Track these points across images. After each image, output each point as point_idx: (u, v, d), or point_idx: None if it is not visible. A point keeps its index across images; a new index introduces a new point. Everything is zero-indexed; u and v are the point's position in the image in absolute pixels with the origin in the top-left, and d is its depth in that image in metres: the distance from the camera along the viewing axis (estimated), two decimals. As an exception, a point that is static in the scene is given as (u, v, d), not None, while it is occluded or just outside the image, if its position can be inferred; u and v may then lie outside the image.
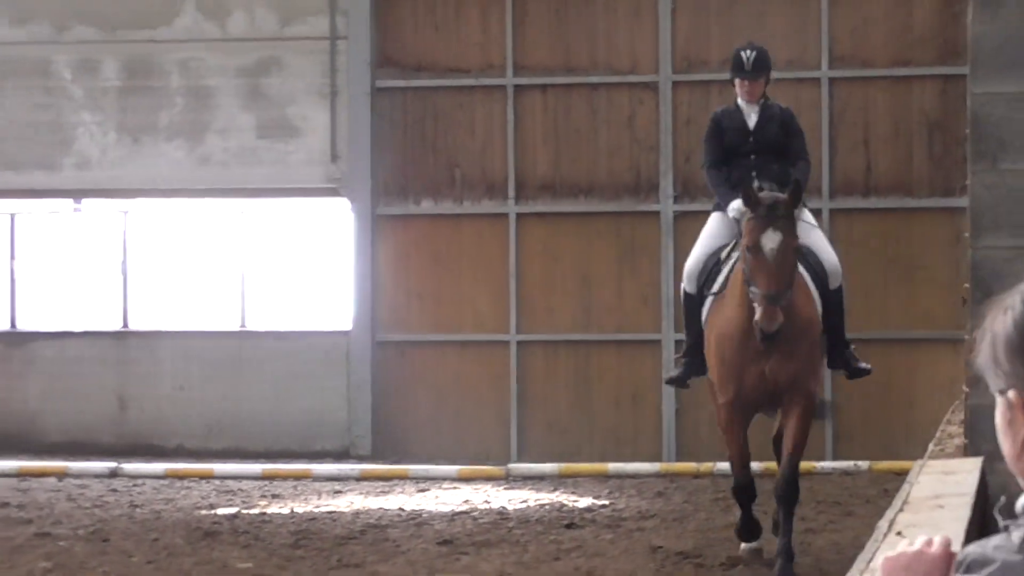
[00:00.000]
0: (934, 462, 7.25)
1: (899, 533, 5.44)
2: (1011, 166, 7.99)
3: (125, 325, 17.61)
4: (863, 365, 10.89)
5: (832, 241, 15.66)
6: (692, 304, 10.77)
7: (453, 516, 13.39)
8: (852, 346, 10.89)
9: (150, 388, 17.29)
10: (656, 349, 16.25)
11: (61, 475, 15.63)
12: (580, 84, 16.86)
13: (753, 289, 9.69)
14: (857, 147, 16.50)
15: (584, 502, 14.08)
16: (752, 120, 10.79)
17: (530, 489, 14.85)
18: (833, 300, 10.57)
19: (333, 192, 17.18)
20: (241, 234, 17.67)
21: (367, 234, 17.01)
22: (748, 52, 10.80)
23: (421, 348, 17.03)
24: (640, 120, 16.77)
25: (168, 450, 16.86)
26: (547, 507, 13.84)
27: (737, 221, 10.24)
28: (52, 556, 11.71)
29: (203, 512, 13.66)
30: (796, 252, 9.92)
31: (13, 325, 17.76)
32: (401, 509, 13.74)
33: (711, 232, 10.89)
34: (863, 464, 15.21)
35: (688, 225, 14.77)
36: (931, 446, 8.27)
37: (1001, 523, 2.54)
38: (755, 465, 11.14)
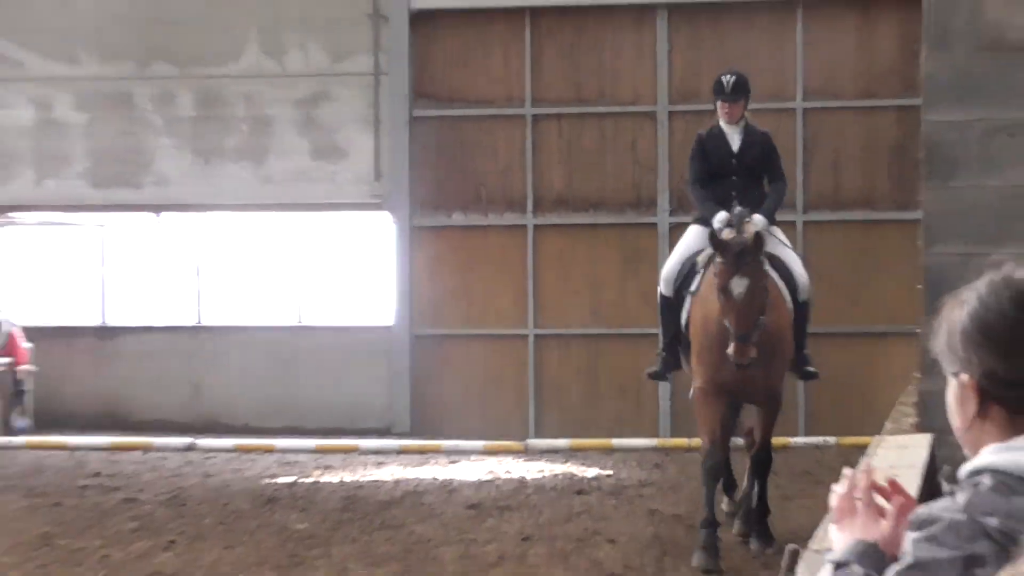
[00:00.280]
0: (890, 438, 7.24)
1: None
2: (958, 184, 8.00)
3: (198, 321, 17.68)
4: (811, 369, 10.54)
5: (805, 249, 15.77)
6: (668, 305, 10.45)
7: (479, 484, 13.42)
8: (806, 351, 10.50)
9: (220, 375, 17.34)
10: (654, 341, 16.11)
11: (145, 449, 15.70)
12: (589, 114, 16.86)
13: (726, 322, 9.37)
14: (827, 168, 16.50)
15: (591, 472, 14.09)
16: (736, 143, 10.36)
17: (545, 461, 14.86)
18: (800, 311, 10.24)
19: (376, 206, 17.18)
20: (297, 242, 17.73)
21: (406, 243, 17.04)
22: (728, 77, 10.42)
23: (452, 340, 17.04)
24: (641, 145, 16.77)
25: (236, 428, 16.90)
26: (560, 477, 13.86)
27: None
28: (137, 518, 11.79)
29: (265, 481, 13.71)
30: (763, 293, 9.45)
31: (103, 321, 17.84)
32: (435, 478, 13.79)
33: (687, 243, 10.55)
34: (831, 440, 15.22)
35: (681, 235, 14.72)
36: (888, 424, 8.24)
37: (946, 488, 2.56)
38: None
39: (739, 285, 9.28)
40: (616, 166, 16.80)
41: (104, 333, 17.70)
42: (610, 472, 14.11)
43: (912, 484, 5.53)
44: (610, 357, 16.58)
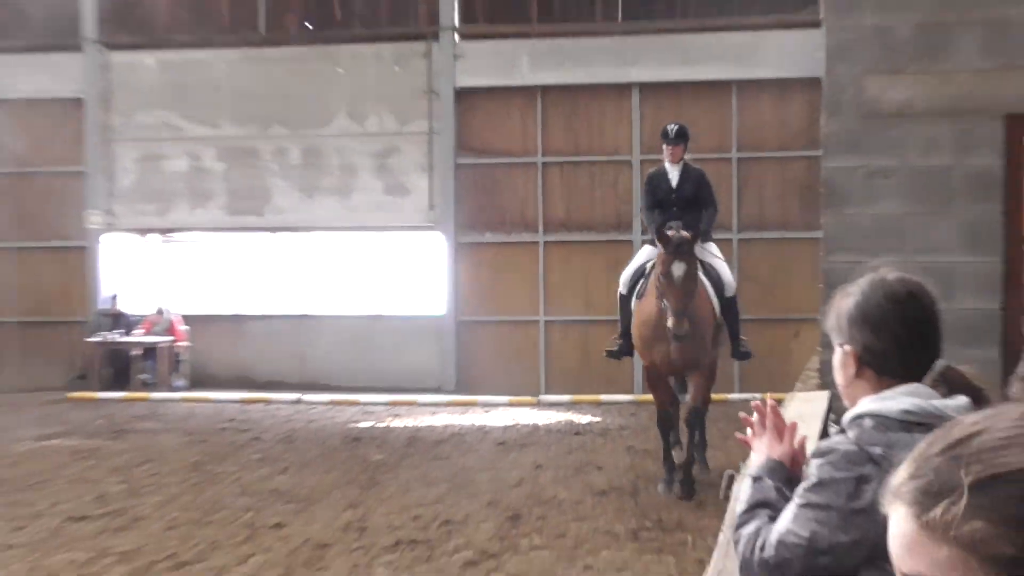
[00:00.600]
0: (800, 394, 7.26)
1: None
2: (849, 211, 8.02)
3: (304, 311, 17.73)
4: (745, 350, 10.02)
5: (739, 259, 15.75)
6: (624, 302, 9.97)
7: (505, 428, 13.44)
8: (743, 338, 10.03)
9: (319, 350, 17.35)
10: (630, 325, 16.20)
11: (266, 403, 15.77)
12: (583, 161, 16.85)
13: (665, 303, 8.86)
14: (755, 201, 16.46)
15: (586, 419, 14.11)
16: (675, 180, 9.76)
17: (552, 411, 14.88)
18: (729, 305, 9.80)
19: (431, 228, 17.20)
20: (374, 254, 17.75)
21: (452, 254, 17.05)
22: (672, 126, 9.90)
23: (485, 325, 17.04)
24: (620, 184, 16.75)
25: (330, 387, 16.88)
26: (563, 423, 13.88)
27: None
28: (260, 451, 11.87)
29: (351, 425, 13.75)
30: (695, 278, 8.98)
31: (237, 311, 17.90)
32: (473, 424, 13.82)
33: (639, 257, 10.14)
34: (758, 395, 15.12)
35: (650, 248, 14.72)
36: (798, 384, 8.26)
37: (833, 429, 2.59)
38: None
39: (678, 268, 8.85)
40: (602, 200, 16.79)
41: (236, 320, 17.70)
42: (599, 419, 14.14)
43: (815, 426, 5.55)
44: (598, 336, 16.44)
